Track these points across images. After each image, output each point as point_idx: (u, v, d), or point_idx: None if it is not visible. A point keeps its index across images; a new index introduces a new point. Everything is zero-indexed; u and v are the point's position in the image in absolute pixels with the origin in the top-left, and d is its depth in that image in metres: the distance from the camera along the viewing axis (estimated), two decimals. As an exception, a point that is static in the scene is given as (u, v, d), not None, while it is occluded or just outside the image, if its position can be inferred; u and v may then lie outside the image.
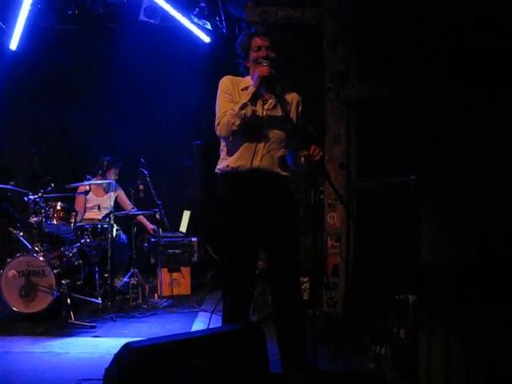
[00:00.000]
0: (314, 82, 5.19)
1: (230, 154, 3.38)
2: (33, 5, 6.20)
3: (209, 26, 6.47)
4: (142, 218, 6.22)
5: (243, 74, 3.47)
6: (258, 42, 3.31)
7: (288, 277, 3.32)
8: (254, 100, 3.21)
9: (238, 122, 3.19)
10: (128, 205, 6.19)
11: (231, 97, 3.37)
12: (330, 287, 4.94)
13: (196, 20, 6.37)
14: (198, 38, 6.50)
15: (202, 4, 6.25)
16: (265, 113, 3.27)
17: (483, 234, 3.46)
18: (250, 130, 3.25)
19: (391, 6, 4.89)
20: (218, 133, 3.36)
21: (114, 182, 6.10)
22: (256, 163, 3.25)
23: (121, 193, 6.26)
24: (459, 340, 2.84)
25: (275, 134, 3.31)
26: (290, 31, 5.29)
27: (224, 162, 3.43)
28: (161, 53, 6.88)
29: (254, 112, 3.21)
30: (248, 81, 3.37)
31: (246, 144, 3.29)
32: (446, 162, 4.39)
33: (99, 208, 5.93)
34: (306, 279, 4.80)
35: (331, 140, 5.09)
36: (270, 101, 3.33)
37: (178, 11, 6.25)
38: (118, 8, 6.49)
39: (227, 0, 6.25)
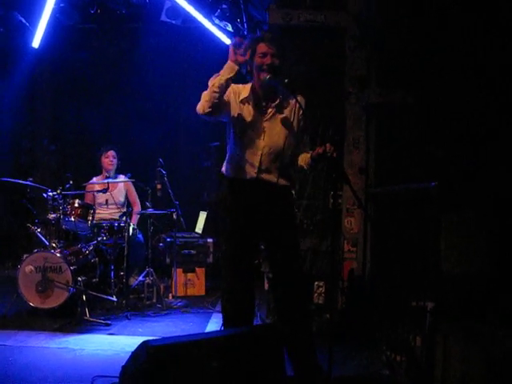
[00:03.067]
0: (335, 85, 5.19)
1: (232, 161, 3.39)
2: (56, 3, 6.27)
3: (230, 28, 6.49)
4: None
5: (245, 77, 3.41)
6: (263, 48, 3.24)
7: (292, 282, 3.33)
8: (228, 70, 3.16)
9: (210, 94, 3.15)
10: (136, 201, 6.20)
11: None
12: (346, 292, 4.92)
13: (217, 22, 6.40)
14: (218, 39, 6.52)
15: (224, 6, 6.28)
16: (264, 124, 3.28)
17: (506, 244, 3.42)
18: (250, 140, 3.27)
19: (413, 10, 4.87)
20: (198, 112, 3.29)
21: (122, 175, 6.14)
22: (255, 174, 3.28)
23: (130, 187, 6.25)
24: (478, 350, 2.79)
25: (275, 143, 3.27)
26: (312, 34, 5.29)
27: (227, 166, 3.44)
28: (181, 53, 6.92)
29: (228, 80, 3.15)
30: (247, 89, 3.34)
31: (246, 154, 3.30)
32: (468, 168, 4.35)
33: (108, 203, 5.93)
34: (321, 283, 4.78)
35: (350, 144, 5.08)
36: (270, 110, 3.29)
37: (200, 12, 6.28)
38: (140, 8, 6.55)
39: (249, 2, 6.27)
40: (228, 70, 3.16)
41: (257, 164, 3.28)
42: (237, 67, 3.18)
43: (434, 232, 3.39)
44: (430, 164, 4.48)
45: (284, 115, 3.30)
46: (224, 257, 3.45)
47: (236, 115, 3.31)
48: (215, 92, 3.14)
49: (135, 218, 6.10)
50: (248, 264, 3.40)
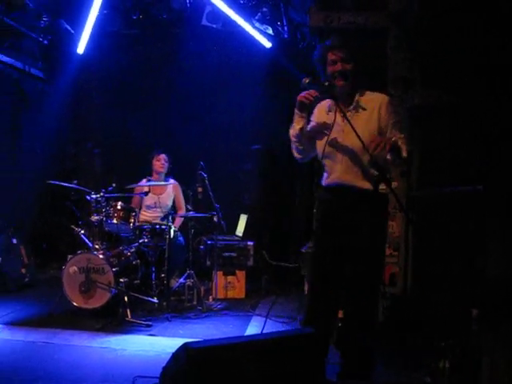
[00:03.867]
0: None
1: (323, 169, 3.48)
2: (99, 10, 6.40)
3: (270, 31, 6.50)
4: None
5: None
6: (332, 56, 3.29)
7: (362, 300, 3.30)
8: (297, 121, 3.38)
9: (293, 144, 3.46)
10: (182, 206, 6.26)
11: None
12: (387, 297, 4.84)
13: (258, 25, 6.41)
14: (259, 42, 6.53)
15: (264, 9, 6.29)
16: (344, 126, 3.26)
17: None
18: (331, 144, 3.30)
19: (456, 9, 4.77)
20: None
21: (172, 179, 6.22)
22: (336, 178, 3.32)
23: (179, 192, 6.32)
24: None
25: (355, 145, 3.21)
26: (353, 36, 5.24)
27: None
28: (222, 57, 6.95)
29: (300, 130, 3.36)
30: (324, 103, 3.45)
31: (329, 158, 3.35)
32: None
33: (156, 206, 6.03)
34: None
35: (392, 147, 5.00)
36: (349, 113, 3.27)
37: (240, 16, 6.30)
38: (181, 13, 6.63)
39: (289, 5, 6.26)
40: (297, 120, 3.38)
41: (340, 166, 3.31)
42: (304, 117, 3.37)
43: (479, 236, 3.31)
44: (475, 167, 4.37)
45: (363, 115, 3.28)
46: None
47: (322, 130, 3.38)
48: (295, 142, 3.44)
49: (178, 222, 6.17)
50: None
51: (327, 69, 3.32)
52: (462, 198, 3.53)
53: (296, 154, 3.52)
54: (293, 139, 3.43)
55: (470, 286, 3.37)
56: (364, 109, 3.29)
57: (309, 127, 3.43)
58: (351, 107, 3.31)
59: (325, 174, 3.43)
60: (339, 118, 3.29)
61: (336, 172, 3.33)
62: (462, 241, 3.63)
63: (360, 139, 3.07)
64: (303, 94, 3.28)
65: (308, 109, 3.38)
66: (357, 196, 3.27)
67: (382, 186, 3.22)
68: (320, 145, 3.38)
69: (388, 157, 3.09)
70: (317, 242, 3.58)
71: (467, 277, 3.45)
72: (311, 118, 3.47)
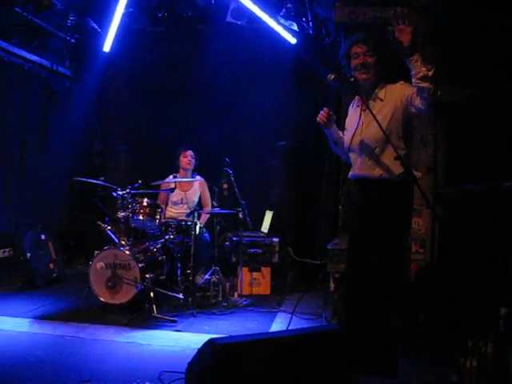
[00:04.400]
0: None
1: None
2: (125, 8, 6.45)
3: (295, 27, 6.47)
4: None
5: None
6: (355, 49, 3.39)
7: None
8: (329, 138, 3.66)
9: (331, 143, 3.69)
10: (208, 203, 6.28)
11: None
12: (413, 294, 4.80)
13: (282, 21, 6.39)
14: (284, 38, 6.52)
15: (289, 5, 6.26)
16: (364, 118, 3.39)
17: None
18: (353, 138, 3.40)
19: (482, 4, 4.69)
20: None
21: (199, 176, 6.26)
22: (357, 170, 3.45)
23: (205, 189, 6.34)
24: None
25: (375, 136, 3.31)
26: (379, 32, 5.19)
27: None
28: (247, 53, 6.94)
29: (335, 143, 3.64)
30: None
31: (353, 152, 3.48)
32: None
33: (182, 202, 6.08)
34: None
35: (418, 143, 4.95)
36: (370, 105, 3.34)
37: (265, 12, 6.29)
38: (206, 10, 6.65)
39: (314, 0, 6.22)
40: (329, 138, 3.65)
41: (359, 159, 3.44)
42: (334, 130, 3.59)
43: (506, 233, 3.26)
44: (502, 163, 4.30)
45: (382, 109, 3.34)
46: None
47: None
48: (337, 151, 3.74)
49: (204, 218, 6.20)
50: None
51: (351, 63, 3.40)
52: (489, 194, 3.47)
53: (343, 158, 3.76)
54: (334, 150, 3.73)
55: (498, 284, 3.32)
56: (381, 100, 3.37)
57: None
58: (371, 100, 3.39)
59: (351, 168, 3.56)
60: (360, 112, 3.42)
61: (357, 164, 3.45)
62: (488, 238, 3.58)
63: (381, 129, 3.15)
64: (319, 115, 3.47)
65: (330, 123, 3.53)
66: (377, 187, 3.33)
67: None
68: (346, 140, 3.51)
69: (417, 103, 3.21)
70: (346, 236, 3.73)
71: (494, 275, 3.40)
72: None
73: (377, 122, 3.15)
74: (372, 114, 3.19)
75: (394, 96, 3.34)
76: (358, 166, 3.43)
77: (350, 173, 3.55)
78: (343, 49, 3.51)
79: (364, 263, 3.38)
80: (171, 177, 6.19)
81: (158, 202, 6.02)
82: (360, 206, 3.44)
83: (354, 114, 3.54)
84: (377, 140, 3.30)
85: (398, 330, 3.31)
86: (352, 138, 3.40)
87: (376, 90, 3.40)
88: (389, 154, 3.25)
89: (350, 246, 3.59)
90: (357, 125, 3.40)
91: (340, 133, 3.66)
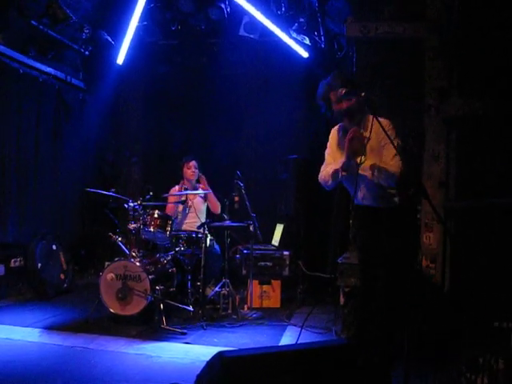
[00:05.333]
0: (414, 97, 5.07)
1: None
2: (139, 21, 6.53)
3: (307, 41, 6.51)
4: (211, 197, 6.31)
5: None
6: (334, 95, 3.46)
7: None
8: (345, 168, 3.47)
9: (329, 183, 3.60)
10: (215, 203, 6.27)
11: (330, 150, 3.71)
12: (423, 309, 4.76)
13: (295, 35, 6.44)
14: (296, 52, 6.56)
15: (301, 19, 6.32)
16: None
17: None
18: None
19: (494, 18, 4.70)
20: None
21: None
22: (359, 200, 3.59)
23: (209, 194, 6.38)
24: None
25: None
26: (390, 46, 5.21)
27: None
28: (259, 67, 7.00)
29: (345, 175, 3.48)
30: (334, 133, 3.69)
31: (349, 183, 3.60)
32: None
33: (190, 211, 6.15)
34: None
35: (430, 157, 4.94)
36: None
37: (278, 26, 6.35)
38: (219, 24, 6.71)
39: (326, 15, 6.26)
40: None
41: (361, 190, 3.55)
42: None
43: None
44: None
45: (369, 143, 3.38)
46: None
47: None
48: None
49: (214, 201, 6.24)
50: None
51: (333, 107, 3.50)
52: (501, 209, 3.46)
53: (327, 188, 3.69)
54: (333, 179, 3.58)
55: (510, 300, 3.29)
56: (366, 135, 3.40)
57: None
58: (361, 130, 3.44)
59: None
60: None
61: (358, 195, 3.56)
62: (501, 253, 3.55)
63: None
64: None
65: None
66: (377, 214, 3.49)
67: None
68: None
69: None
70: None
71: (507, 290, 3.37)
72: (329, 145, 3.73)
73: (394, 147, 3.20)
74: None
75: (377, 129, 3.32)
76: (360, 196, 3.55)
77: (355, 200, 3.63)
78: (320, 92, 3.55)
79: (373, 281, 3.47)
80: (177, 187, 6.22)
81: (167, 212, 6.05)
82: (367, 226, 3.57)
83: (341, 141, 3.57)
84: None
85: (407, 346, 3.28)
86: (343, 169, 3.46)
87: (362, 124, 3.47)
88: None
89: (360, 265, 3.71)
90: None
91: None
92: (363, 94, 3.37)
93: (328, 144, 3.74)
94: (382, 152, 3.39)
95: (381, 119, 3.29)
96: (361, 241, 3.69)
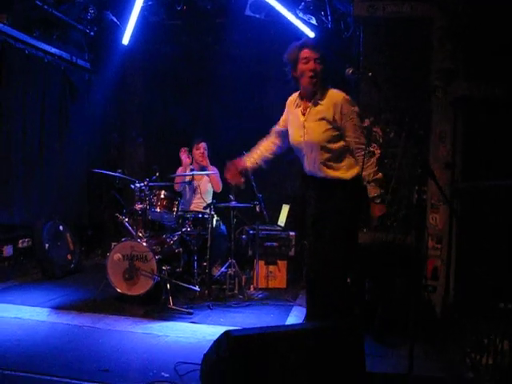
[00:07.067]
0: (421, 78, 5.04)
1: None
2: (144, 1, 6.48)
3: (314, 21, 6.45)
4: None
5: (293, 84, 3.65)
6: (305, 53, 3.43)
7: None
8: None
9: None
10: (217, 182, 6.27)
11: (285, 117, 3.81)
12: (429, 290, 4.78)
13: (301, 15, 6.38)
14: (302, 32, 6.49)
15: (308, -1, 6.25)
16: (305, 123, 3.52)
17: None
18: (294, 139, 3.62)
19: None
20: None
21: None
22: (305, 169, 3.63)
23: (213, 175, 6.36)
24: None
25: (311, 139, 3.49)
26: (398, 26, 5.17)
27: None
28: (265, 47, 6.93)
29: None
30: (292, 99, 3.71)
31: (296, 152, 3.71)
32: None
33: (196, 192, 6.17)
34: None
35: (436, 139, 4.92)
36: (308, 110, 3.50)
37: (284, 6, 6.29)
38: (224, 3, 6.65)
39: (334, -6, 6.20)
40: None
41: (303, 160, 3.60)
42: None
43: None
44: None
45: (321, 113, 3.44)
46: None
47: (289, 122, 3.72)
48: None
49: (216, 180, 6.26)
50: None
51: (299, 67, 3.47)
52: (508, 191, 3.45)
53: None
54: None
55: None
56: (321, 105, 3.46)
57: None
58: (311, 103, 3.50)
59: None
60: (300, 114, 3.56)
61: (307, 164, 3.60)
62: (507, 234, 3.55)
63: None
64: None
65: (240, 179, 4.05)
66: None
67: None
68: (291, 137, 3.69)
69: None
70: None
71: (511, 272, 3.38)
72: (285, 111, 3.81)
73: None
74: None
75: (330, 102, 3.43)
76: (309, 166, 3.58)
77: (303, 170, 3.69)
78: (290, 50, 3.53)
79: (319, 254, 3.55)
80: (180, 169, 6.23)
81: (175, 188, 6.13)
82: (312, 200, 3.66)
83: (294, 112, 3.63)
84: (319, 143, 3.46)
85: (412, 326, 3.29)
86: (296, 139, 3.58)
87: (317, 95, 3.47)
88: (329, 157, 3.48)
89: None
90: (300, 126, 3.54)
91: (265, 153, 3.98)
92: (370, 73, 3.37)
93: (285, 110, 3.82)
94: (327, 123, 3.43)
95: (336, 92, 3.45)
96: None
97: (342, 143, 3.46)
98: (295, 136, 3.59)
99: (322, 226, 3.50)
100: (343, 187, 3.46)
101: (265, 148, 3.95)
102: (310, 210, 3.69)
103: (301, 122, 3.53)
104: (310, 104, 3.50)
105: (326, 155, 3.46)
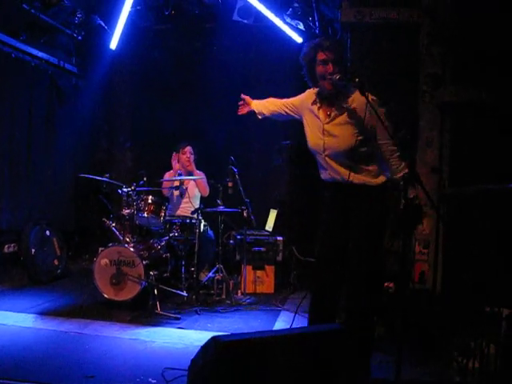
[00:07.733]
0: (408, 84, 5.07)
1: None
2: (132, 6, 6.47)
3: (301, 27, 6.48)
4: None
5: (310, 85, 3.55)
6: (322, 56, 3.30)
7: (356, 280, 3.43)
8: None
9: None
10: (204, 188, 6.26)
11: (296, 101, 3.69)
12: (416, 294, 4.79)
13: (289, 20, 6.41)
14: (290, 38, 6.52)
15: (296, 4, 6.28)
16: (325, 126, 3.39)
17: None
18: (315, 143, 3.48)
19: (490, 5, 4.69)
20: None
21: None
22: (327, 175, 3.50)
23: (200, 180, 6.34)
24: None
25: (335, 144, 3.37)
26: (385, 32, 5.20)
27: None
28: (253, 52, 6.96)
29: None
30: (311, 94, 3.51)
31: (316, 156, 3.55)
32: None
33: (184, 197, 6.14)
34: (391, 285, 4.69)
35: (424, 143, 4.96)
36: (333, 114, 3.37)
37: (271, 11, 6.31)
38: (212, 8, 6.68)
39: (321, 0, 6.22)
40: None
41: (324, 165, 3.48)
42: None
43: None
44: (507, 164, 4.30)
45: (346, 116, 3.32)
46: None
47: (304, 120, 3.57)
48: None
49: (203, 185, 6.24)
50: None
51: (317, 69, 3.34)
52: (495, 195, 3.47)
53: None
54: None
55: (501, 286, 3.32)
56: (345, 108, 3.32)
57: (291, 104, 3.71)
58: (334, 107, 3.36)
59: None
60: (319, 114, 3.42)
61: (325, 170, 3.50)
62: (493, 239, 3.58)
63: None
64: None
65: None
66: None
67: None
68: (310, 140, 3.55)
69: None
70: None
71: (498, 276, 3.40)
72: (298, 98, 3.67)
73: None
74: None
75: (355, 105, 3.29)
76: (331, 171, 3.46)
77: (323, 175, 3.57)
78: (306, 51, 3.40)
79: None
80: (169, 173, 6.21)
81: (164, 193, 6.13)
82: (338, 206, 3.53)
83: (311, 109, 3.48)
84: (344, 148, 3.34)
85: (400, 331, 3.30)
86: (316, 142, 3.45)
87: (343, 98, 3.33)
88: (365, 160, 3.36)
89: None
90: (320, 129, 3.42)
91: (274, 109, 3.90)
92: (357, 79, 3.35)
93: (299, 96, 3.66)
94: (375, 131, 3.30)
95: (358, 94, 3.21)
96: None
97: (368, 147, 3.34)
98: (314, 138, 3.46)
99: (350, 233, 3.44)
100: (370, 193, 3.38)
101: (271, 104, 3.97)
102: (330, 215, 3.59)
103: (320, 125, 3.40)
104: (332, 108, 3.36)
105: (353, 160, 3.33)
